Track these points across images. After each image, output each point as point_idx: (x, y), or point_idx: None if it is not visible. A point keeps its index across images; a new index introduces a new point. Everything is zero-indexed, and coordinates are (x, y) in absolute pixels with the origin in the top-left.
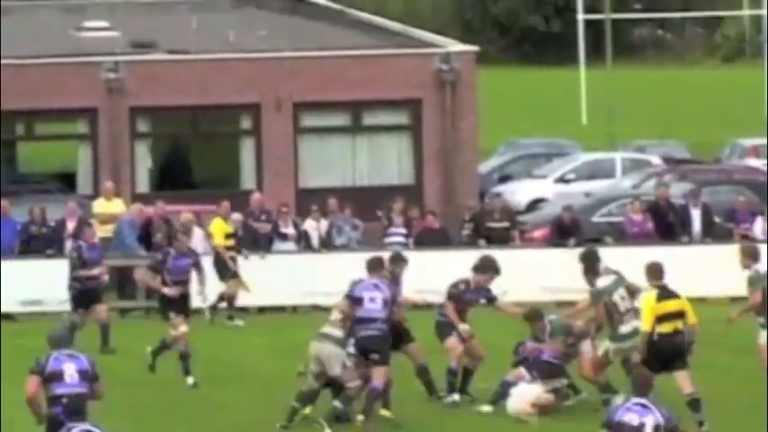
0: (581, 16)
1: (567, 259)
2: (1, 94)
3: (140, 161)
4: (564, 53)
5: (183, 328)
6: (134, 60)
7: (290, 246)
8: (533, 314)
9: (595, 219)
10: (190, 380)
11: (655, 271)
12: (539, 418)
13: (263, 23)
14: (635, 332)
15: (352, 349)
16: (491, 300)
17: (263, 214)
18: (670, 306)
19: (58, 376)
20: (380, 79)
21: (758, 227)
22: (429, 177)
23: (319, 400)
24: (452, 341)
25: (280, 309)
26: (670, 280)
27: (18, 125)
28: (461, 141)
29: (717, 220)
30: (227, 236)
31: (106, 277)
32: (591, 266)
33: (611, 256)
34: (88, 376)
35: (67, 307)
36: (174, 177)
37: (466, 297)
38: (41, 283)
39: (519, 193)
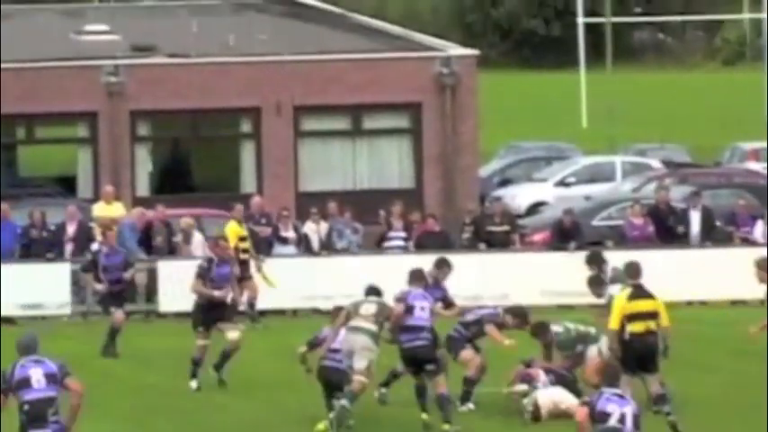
0: (581, 20)
1: (568, 263)
2: (1, 97)
3: (141, 165)
4: (564, 57)
5: (234, 335)
6: (134, 64)
7: (291, 249)
8: (539, 329)
9: (596, 222)
10: (194, 383)
11: (632, 270)
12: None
13: (264, 27)
14: None
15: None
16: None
17: (263, 218)
18: (641, 306)
19: (25, 383)
20: (381, 83)
21: (758, 230)
22: (429, 181)
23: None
24: (468, 353)
25: (280, 312)
26: (670, 283)
27: (18, 129)
28: (462, 145)
29: (718, 223)
30: (241, 239)
31: (126, 275)
32: (598, 269)
33: (611, 259)
34: (56, 379)
35: (67, 310)
36: (174, 181)
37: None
38: (41, 287)
39: (519, 196)
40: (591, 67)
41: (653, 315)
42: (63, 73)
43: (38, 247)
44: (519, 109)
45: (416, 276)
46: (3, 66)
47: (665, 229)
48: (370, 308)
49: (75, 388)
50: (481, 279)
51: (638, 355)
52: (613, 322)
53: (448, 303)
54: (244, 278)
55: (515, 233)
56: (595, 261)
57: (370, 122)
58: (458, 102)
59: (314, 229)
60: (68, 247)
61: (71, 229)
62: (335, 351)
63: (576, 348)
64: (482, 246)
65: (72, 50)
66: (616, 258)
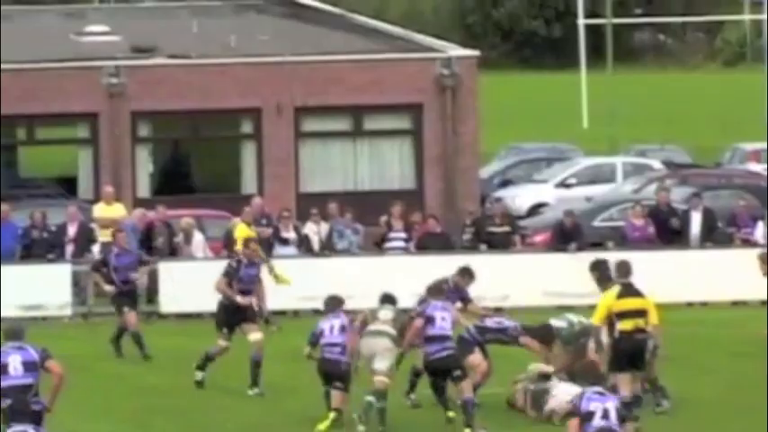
0: (582, 21)
1: (569, 264)
2: (2, 98)
3: (141, 166)
4: (565, 58)
5: (257, 336)
6: (135, 65)
7: (291, 250)
8: (548, 336)
9: (596, 223)
10: (199, 375)
11: (623, 268)
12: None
13: (264, 28)
14: None
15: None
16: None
17: (263, 219)
18: (630, 304)
19: (3, 369)
20: (381, 84)
21: (759, 231)
22: (430, 182)
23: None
24: (476, 358)
25: (280, 313)
26: (671, 284)
27: (19, 130)
28: (462, 146)
29: (718, 225)
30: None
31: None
32: (602, 275)
33: (612, 260)
34: (35, 366)
35: (68, 311)
36: (174, 182)
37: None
38: (42, 288)
39: (520, 197)
40: (591, 69)
41: (642, 313)
42: (63, 74)
43: (38, 247)
44: (520, 110)
45: (436, 290)
46: (3, 66)
47: (666, 230)
48: (388, 314)
49: (56, 370)
50: (482, 280)
51: (627, 353)
52: (597, 318)
53: (467, 301)
54: None
55: (516, 234)
56: (599, 269)
57: (370, 123)
58: (458, 103)
59: (314, 230)
60: (69, 248)
61: (72, 230)
62: (334, 345)
63: (579, 341)
64: (483, 247)
65: (72, 51)
66: (617, 259)
